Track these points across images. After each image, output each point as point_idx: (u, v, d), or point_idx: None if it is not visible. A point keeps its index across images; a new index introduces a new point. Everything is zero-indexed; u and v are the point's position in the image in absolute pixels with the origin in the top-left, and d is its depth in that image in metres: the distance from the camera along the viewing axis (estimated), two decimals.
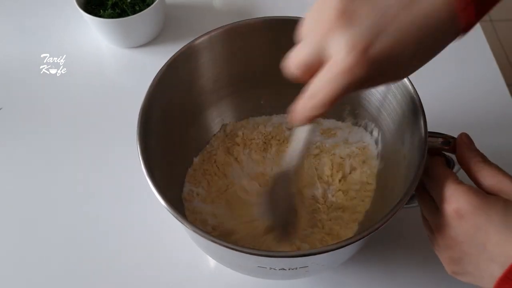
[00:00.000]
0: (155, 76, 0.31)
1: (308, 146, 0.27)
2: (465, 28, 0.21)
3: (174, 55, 0.32)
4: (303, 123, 0.24)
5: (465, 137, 0.28)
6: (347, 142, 0.37)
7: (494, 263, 0.23)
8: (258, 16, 0.35)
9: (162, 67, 0.31)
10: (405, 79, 0.30)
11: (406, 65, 0.21)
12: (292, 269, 0.27)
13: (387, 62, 0.20)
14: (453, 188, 0.25)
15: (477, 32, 0.50)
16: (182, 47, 0.32)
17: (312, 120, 0.23)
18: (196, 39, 0.32)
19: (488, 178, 0.25)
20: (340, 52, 0.20)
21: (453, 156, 0.28)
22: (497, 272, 0.23)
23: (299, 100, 0.22)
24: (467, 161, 0.27)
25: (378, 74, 0.20)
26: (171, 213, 0.26)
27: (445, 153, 0.29)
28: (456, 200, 0.24)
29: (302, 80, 0.22)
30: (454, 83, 0.46)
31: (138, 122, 0.29)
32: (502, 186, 0.25)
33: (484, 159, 0.26)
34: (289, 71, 0.22)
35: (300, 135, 0.27)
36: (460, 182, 0.25)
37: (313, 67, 0.21)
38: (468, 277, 0.26)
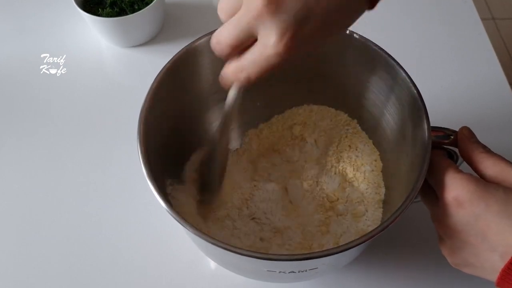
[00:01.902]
0: (155, 78, 0.30)
1: (234, 106, 0.29)
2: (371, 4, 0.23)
3: (174, 56, 0.31)
4: (225, 83, 0.26)
5: (466, 130, 0.27)
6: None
7: (495, 252, 0.23)
8: None
9: (162, 68, 0.31)
10: (407, 78, 0.30)
11: (321, 42, 0.23)
12: (302, 271, 0.27)
13: (310, 43, 0.22)
14: (453, 176, 0.25)
15: (479, 30, 0.49)
16: (182, 48, 0.32)
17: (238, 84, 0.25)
18: (196, 40, 0.32)
19: (490, 168, 0.25)
20: (270, 38, 0.21)
21: (456, 150, 0.28)
22: (498, 262, 0.23)
23: (228, 67, 0.25)
24: (469, 153, 0.26)
25: (300, 53, 0.22)
26: (172, 215, 0.25)
27: (447, 147, 0.28)
28: (455, 188, 0.24)
29: (228, 57, 0.24)
30: (456, 82, 0.46)
31: (138, 125, 0.28)
32: (504, 175, 0.24)
33: (486, 150, 0.26)
34: (218, 49, 0.24)
35: (231, 94, 0.28)
36: (460, 171, 0.25)
37: (241, 46, 0.23)
38: (470, 269, 0.26)
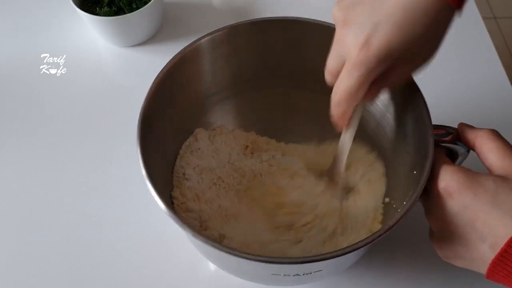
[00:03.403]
0: (155, 79, 0.30)
1: (347, 151, 0.31)
2: (458, 5, 0.23)
3: (173, 57, 0.31)
4: (342, 124, 0.27)
5: (464, 123, 0.27)
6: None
7: (484, 243, 0.23)
8: (258, 16, 0.35)
9: (162, 69, 0.31)
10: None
11: (414, 49, 0.23)
12: (306, 274, 0.27)
13: (392, 49, 0.23)
14: (442, 168, 0.25)
15: (480, 30, 0.49)
16: (182, 49, 0.32)
17: (346, 118, 0.27)
18: (196, 40, 0.32)
19: (494, 152, 0.25)
20: (349, 52, 0.24)
21: (457, 149, 0.28)
22: (488, 253, 0.23)
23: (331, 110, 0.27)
24: (473, 138, 0.26)
25: (391, 61, 0.23)
26: (170, 216, 0.25)
27: (449, 145, 0.28)
28: (444, 179, 0.24)
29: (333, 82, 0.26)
30: (456, 81, 0.45)
31: (137, 125, 0.28)
32: (506, 163, 0.24)
33: (490, 132, 0.26)
34: (326, 78, 0.27)
35: (343, 141, 0.30)
36: (450, 163, 0.25)
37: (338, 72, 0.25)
38: (460, 261, 0.25)
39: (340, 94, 0.25)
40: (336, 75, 0.25)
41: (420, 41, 0.23)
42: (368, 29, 0.22)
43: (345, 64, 0.24)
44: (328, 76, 0.27)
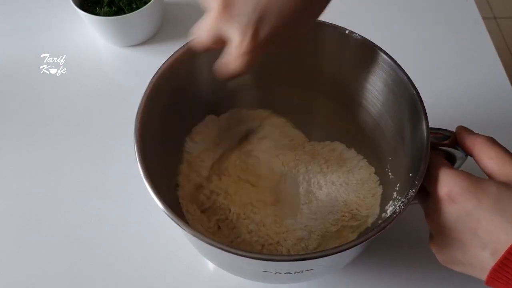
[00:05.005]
0: (152, 78, 0.30)
1: None
2: None
3: (171, 56, 0.31)
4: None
5: (462, 126, 0.27)
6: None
7: (485, 250, 0.23)
8: None
9: (159, 68, 0.31)
10: (406, 79, 0.29)
11: (289, 34, 0.24)
12: (298, 272, 0.27)
13: (276, 36, 0.23)
14: (445, 172, 0.25)
15: (480, 29, 0.49)
16: (179, 48, 0.32)
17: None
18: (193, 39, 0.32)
19: (493, 159, 0.25)
20: (236, 38, 0.24)
21: (456, 152, 0.28)
22: (488, 259, 0.23)
23: (221, 64, 0.26)
24: (471, 143, 0.26)
25: (271, 46, 0.24)
26: (170, 217, 0.25)
27: (446, 148, 0.28)
28: (447, 184, 0.24)
29: (213, 48, 0.26)
30: (456, 81, 0.45)
31: (135, 124, 0.28)
32: (505, 169, 0.24)
33: (490, 139, 0.26)
34: (200, 46, 0.26)
35: None
36: (452, 168, 0.25)
37: (219, 41, 0.25)
38: (458, 266, 0.25)
39: (232, 69, 0.25)
40: (215, 43, 0.25)
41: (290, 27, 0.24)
42: (256, 19, 0.23)
43: (232, 46, 0.24)
44: (205, 40, 0.25)
